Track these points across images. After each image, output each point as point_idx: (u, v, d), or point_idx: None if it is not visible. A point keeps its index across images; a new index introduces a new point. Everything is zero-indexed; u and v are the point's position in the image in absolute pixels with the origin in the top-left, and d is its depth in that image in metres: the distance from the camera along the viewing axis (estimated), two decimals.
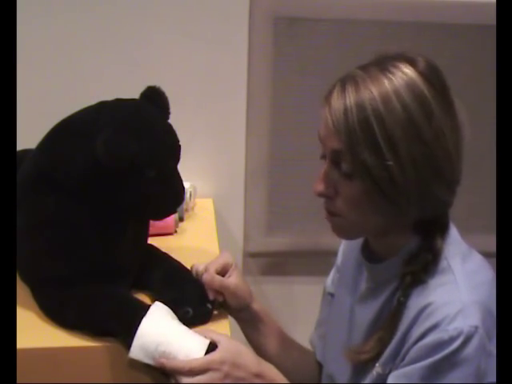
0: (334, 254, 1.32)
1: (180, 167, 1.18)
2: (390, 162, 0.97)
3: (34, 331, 1.13)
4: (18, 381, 0.94)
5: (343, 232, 1.10)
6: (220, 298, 1.21)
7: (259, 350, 1.28)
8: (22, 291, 1.20)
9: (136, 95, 1.21)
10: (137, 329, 1.04)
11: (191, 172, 1.68)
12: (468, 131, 1.04)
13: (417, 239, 1.05)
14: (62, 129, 1.18)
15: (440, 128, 0.99)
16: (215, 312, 1.21)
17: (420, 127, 0.98)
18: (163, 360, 1.04)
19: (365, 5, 1.79)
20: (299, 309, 2.01)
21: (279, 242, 1.93)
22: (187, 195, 1.69)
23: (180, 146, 1.17)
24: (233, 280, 1.21)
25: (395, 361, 1.03)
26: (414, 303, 1.02)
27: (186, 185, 1.24)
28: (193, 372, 1.03)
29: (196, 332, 1.09)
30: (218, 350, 1.05)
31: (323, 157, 1.06)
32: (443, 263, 1.03)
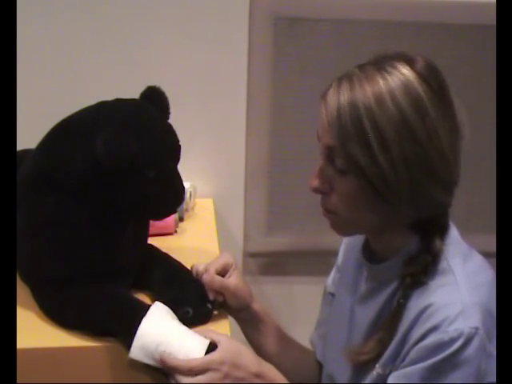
0: (334, 253, 1.32)
1: (180, 167, 1.18)
2: (381, 161, 0.97)
3: (34, 331, 1.13)
4: (18, 381, 0.94)
5: (340, 229, 1.10)
6: (220, 299, 1.21)
7: (259, 350, 1.28)
8: (22, 291, 1.19)
9: (136, 95, 1.21)
10: (137, 329, 1.04)
11: (191, 172, 1.68)
12: (467, 132, 1.04)
13: (416, 240, 1.05)
14: (62, 129, 1.18)
15: (434, 129, 0.98)
16: (215, 312, 1.21)
17: (413, 127, 0.97)
18: (164, 358, 1.04)
19: (364, 5, 1.79)
20: (299, 309, 2.01)
21: (279, 242, 1.93)
22: (187, 195, 1.69)
23: (180, 146, 1.17)
24: (233, 280, 1.21)
25: (395, 361, 1.03)
26: (415, 304, 1.02)
27: (186, 185, 1.24)
28: (192, 371, 1.03)
29: (196, 332, 1.09)
30: (217, 350, 1.05)
31: (321, 153, 1.07)
32: (443, 264, 1.03)
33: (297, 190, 1.86)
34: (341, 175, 1.02)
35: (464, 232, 1.10)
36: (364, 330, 1.11)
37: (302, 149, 1.83)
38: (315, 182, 1.06)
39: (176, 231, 1.60)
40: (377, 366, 1.06)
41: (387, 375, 1.03)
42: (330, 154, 1.03)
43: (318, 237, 1.88)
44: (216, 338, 1.07)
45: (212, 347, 1.06)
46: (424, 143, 0.98)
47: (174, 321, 1.09)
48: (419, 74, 0.99)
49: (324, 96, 1.02)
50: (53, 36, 1.73)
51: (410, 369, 0.99)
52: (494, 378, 0.97)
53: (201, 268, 1.22)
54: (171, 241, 1.54)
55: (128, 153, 1.07)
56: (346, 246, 1.27)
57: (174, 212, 1.24)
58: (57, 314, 1.15)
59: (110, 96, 1.19)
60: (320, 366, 1.30)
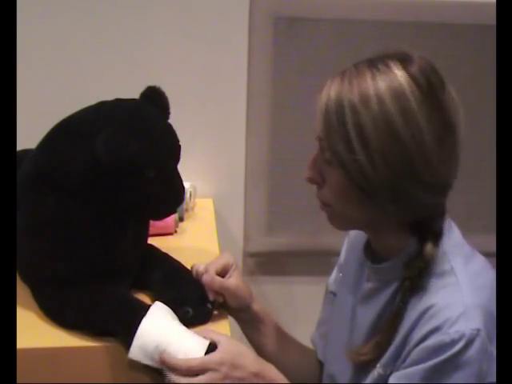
0: (334, 253, 1.32)
1: (180, 167, 1.18)
2: (361, 156, 0.98)
3: (34, 331, 1.13)
4: (18, 381, 0.94)
5: (334, 222, 1.10)
6: (220, 299, 1.21)
7: (260, 350, 1.28)
8: (22, 291, 1.19)
9: (136, 95, 1.21)
10: (136, 329, 1.04)
11: (191, 172, 1.68)
12: (462, 133, 1.03)
13: (414, 242, 1.05)
14: (62, 129, 1.18)
15: (419, 129, 0.98)
16: (215, 312, 1.21)
17: (395, 126, 0.97)
18: (163, 357, 1.04)
19: (365, 5, 1.79)
20: (299, 309, 2.01)
21: (279, 242, 1.93)
22: (187, 195, 1.69)
23: (180, 146, 1.17)
24: (233, 281, 1.21)
25: (396, 362, 1.03)
26: (416, 305, 1.02)
27: (186, 185, 1.24)
28: (191, 371, 1.03)
29: (196, 332, 1.09)
30: (217, 350, 1.05)
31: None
32: (446, 265, 1.03)
33: (297, 190, 1.86)
34: (329, 167, 1.04)
35: (464, 232, 1.10)
36: (365, 330, 1.11)
37: (301, 149, 1.82)
38: (308, 172, 1.08)
39: (176, 231, 1.60)
40: (378, 365, 1.06)
41: (388, 375, 1.03)
42: (320, 145, 1.05)
43: (318, 237, 1.88)
44: (216, 339, 1.07)
45: (212, 348, 1.06)
46: (405, 142, 0.97)
47: (173, 321, 1.09)
48: (410, 75, 0.99)
49: (320, 89, 1.04)
50: (53, 36, 1.73)
51: (411, 369, 0.99)
52: (494, 379, 0.97)
53: (201, 268, 1.22)
54: (171, 241, 1.54)
55: (128, 153, 1.07)
56: (348, 246, 1.27)
57: (174, 212, 1.24)
58: (57, 314, 1.15)
59: (110, 96, 1.19)
60: (321, 365, 1.30)
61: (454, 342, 0.96)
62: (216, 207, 1.81)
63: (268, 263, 1.98)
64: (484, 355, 0.96)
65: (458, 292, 1.00)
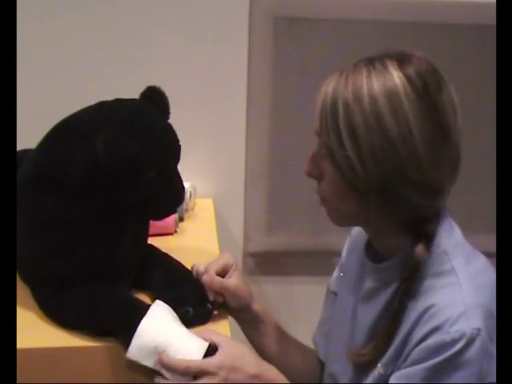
0: (334, 253, 1.32)
1: (180, 167, 1.18)
2: (350, 151, 0.99)
3: (34, 331, 1.13)
4: (18, 381, 0.94)
5: (333, 217, 1.11)
6: (220, 299, 1.21)
7: (260, 351, 1.28)
8: (22, 291, 1.19)
9: (136, 95, 1.21)
10: (136, 328, 1.04)
11: (191, 172, 1.68)
12: (459, 138, 1.03)
13: (410, 243, 1.05)
14: (62, 129, 1.18)
15: (409, 129, 0.98)
16: (215, 312, 1.21)
17: (385, 124, 0.98)
18: (161, 357, 1.03)
19: (365, 5, 1.79)
20: (299, 309, 2.01)
21: (279, 242, 1.93)
22: (187, 195, 1.69)
23: (180, 146, 1.17)
24: (233, 281, 1.21)
25: (397, 362, 1.03)
26: (416, 305, 1.02)
27: (186, 185, 1.24)
28: (189, 372, 1.03)
29: (197, 333, 1.09)
30: (217, 353, 1.05)
31: None
32: (446, 265, 1.03)
33: (297, 190, 1.86)
34: (325, 161, 1.05)
35: (464, 232, 1.10)
36: (366, 329, 1.11)
37: (301, 149, 1.81)
38: (308, 167, 1.09)
39: (176, 231, 1.60)
40: (378, 365, 1.06)
41: (389, 375, 1.03)
42: (318, 139, 1.06)
43: (318, 237, 1.88)
44: (216, 340, 1.07)
45: (211, 349, 1.05)
46: (395, 142, 0.98)
47: (174, 321, 1.09)
48: (406, 75, 0.99)
49: (321, 86, 1.06)
50: (53, 36, 1.73)
51: (412, 369, 0.99)
52: (495, 379, 0.97)
53: (201, 268, 1.22)
54: (171, 241, 1.54)
55: (128, 153, 1.07)
56: (350, 245, 1.27)
57: (174, 212, 1.24)
58: (57, 314, 1.15)
59: (110, 96, 1.19)
60: (322, 365, 1.29)
61: (454, 342, 0.96)
62: (216, 207, 1.81)
63: (268, 263, 1.98)
64: (485, 355, 0.96)
65: (459, 291, 1.00)
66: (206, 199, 1.83)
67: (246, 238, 1.93)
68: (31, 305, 1.19)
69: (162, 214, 1.19)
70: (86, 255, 1.14)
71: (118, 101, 1.18)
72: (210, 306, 1.19)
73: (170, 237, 1.56)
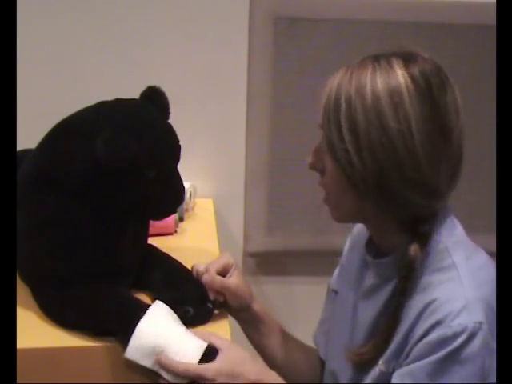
0: (334, 253, 1.32)
1: (180, 167, 1.18)
2: (349, 145, 1.00)
3: (34, 331, 1.13)
4: (18, 381, 0.94)
5: (333, 213, 1.11)
6: (221, 299, 1.21)
7: (261, 351, 1.28)
8: (22, 291, 1.19)
9: (136, 95, 1.21)
10: (135, 328, 1.04)
11: (191, 172, 1.68)
12: (459, 136, 1.03)
13: (408, 241, 1.04)
14: (62, 129, 1.18)
15: (409, 127, 0.98)
16: (216, 312, 1.21)
17: (385, 121, 0.98)
18: (159, 358, 1.03)
19: (365, 5, 1.79)
20: (299, 309, 2.01)
21: (279, 242, 1.93)
22: (187, 195, 1.69)
23: (180, 146, 1.17)
24: (233, 280, 1.21)
25: (399, 359, 1.03)
26: (417, 301, 1.02)
27: (186, 185, 1.24)
28: (187, 374, 1.03)
29: (198, 334, 1.08)
30: (217, 358, 1.05)
31: None
32: (447, 260, 1.03)
33: (297, 190, 1.87)
34: (326, 155, 1.05)
35: (465, 232, 1.10)
36: (366, 327, 1.11)
37: (301, 149, 1.82)
38: (311, 159, 1.10)
39: (176, 231, 1.60)
40: (379, 362, 1.06)
41: (390, 373, 1.03)
42: (322, 133, 1.07)
43: (318, 237, 1.88)
44: (217, 344, 1.07)
45: (211, 350, 1.05)
46: (393, 137, 0.98)
47: (173, 322, 1.09)
48: (410, 74, 1.00)
49: (327, 80, 1.07)
50: (53, 36, 1.73)
51: (414, 366, 0.99)
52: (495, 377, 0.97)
53: (201, 268, 1.22)
54: (171, 241, 1.54)
55: (128, 153, 1.07)
56: (351, 243, 1.27)
57: (174, 212, 1.24)
58: (57, 314, 1.15)
59: (110, 96, 1.19)
60: (322, 364, 1.29)
61: (456, 335, 0.95)
62: (216, 207, 1.81)
63: (268, 263, 1.98)
64: (486, 349, 0.96)
65: (460, 286, 1.00)
66: (206, 199, 1.83)
67: (246, 238, 1.93)
68: (31, 305, 1.18)
69: (162, 214, 1.19)
70: (86, 255, 1.14)
71: (118, 101, 1.18)
72: (210, 305, 1.19)
73: (170, 237, 1.56)
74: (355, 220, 1.16)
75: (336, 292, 1.28)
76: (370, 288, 1.12)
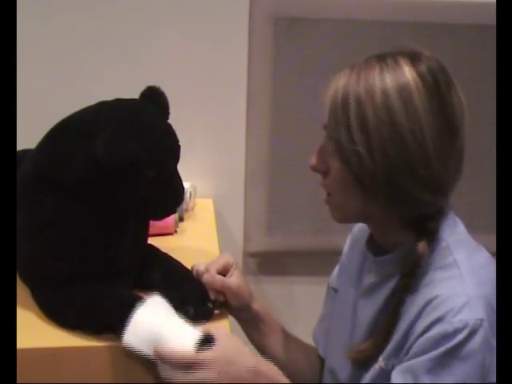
0: (334, 253, 1.32)
1: (180, 167, 1.18)
2: (359, 144, 1.00)
3: (34, 331, 1.13)
4: (18, 381, 0.94)
5: (335, 214, 1.11)
6: (221, 298, 1.21)
7: (261, 350, 1.28)
8: (22, 291, 1.19)
9: (136, 95, 1.21)
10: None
11: (191, 172, 1.68)
12: (465, 133, 1.03)
13: (412, 239, 1.05)
14: (62, 129, 1.18)
15: (419, 124, 0.99)
16: (216, 311, 1.21)
17: (396, 118, 0.99)
18: (157, 347, 1.03)
19: (365, 5, 1.79)
20: (299, 308, 2.01)
21: (279, 242, 1.93)
22: (187, 195, 1.69)
23: (180, 146, 1.17)
24: (234, 280, 1.21)
25: (399, 355, 1.03)
26: (418, 298, 1.02)
27: (186, 185, 1.24)
28: (182, 362, 1.01)
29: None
30: (214, 347, 1.04)
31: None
32: (448, 258, 1.03)
33: (297, 190, 1.87)
34: (331, 155, 1.05)
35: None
36: (366, 325, 1.11)
37: (301, 149, 1.82)
38: (313, 160, 1.09)
39: (176, 231, 1.60)
40: (380, 359, 1.06)
41: (390, 370, 1.03)
42: (327, 133, 1.06)
43: (318, 237, 1.88)
44: (215, 334, 1.06)
45: (208, 338, 1.04)
46: (404, 136, 0.99)
47: (171, 312, 1.09)
48: (418, 72, 1.00)
49: (328, 82, 1.06)
50: (53, 36, 1.73)
51: (414, 361, 0.99)
52: (495, 375, 0.97)
53: (201, 268, 1.22)
54: (171, 241, 1.54)
55: (128, 153, 1.07)
56: (351, 242, 1.28)
57: (174, 212, 1.24)
58: (57, 313, 1.15)
59: (110, 96, 1.19)
60: (322, 362, 1.29)
61: (457, 332, 0.95)
62: (216, 207, 1.81)
63: (268, 263, 1.98)
64: (487, 347, 0.96)
65: (461, 283, 1.00)
66: (206, 199, 1.83)
67: (246, 238, 1.93)
68: (31, 305, 1.18)
69: (162, 214, 1.19)
70: (85, 255, 1.14)
71: (118, 101, 1.18)
72: (210, 305, 1.19)
73: (170, 237, 1.56)
74: (357, 220, 1.16)
75: (336, 290, 1.28)
76: (370, 286, 1.13)
